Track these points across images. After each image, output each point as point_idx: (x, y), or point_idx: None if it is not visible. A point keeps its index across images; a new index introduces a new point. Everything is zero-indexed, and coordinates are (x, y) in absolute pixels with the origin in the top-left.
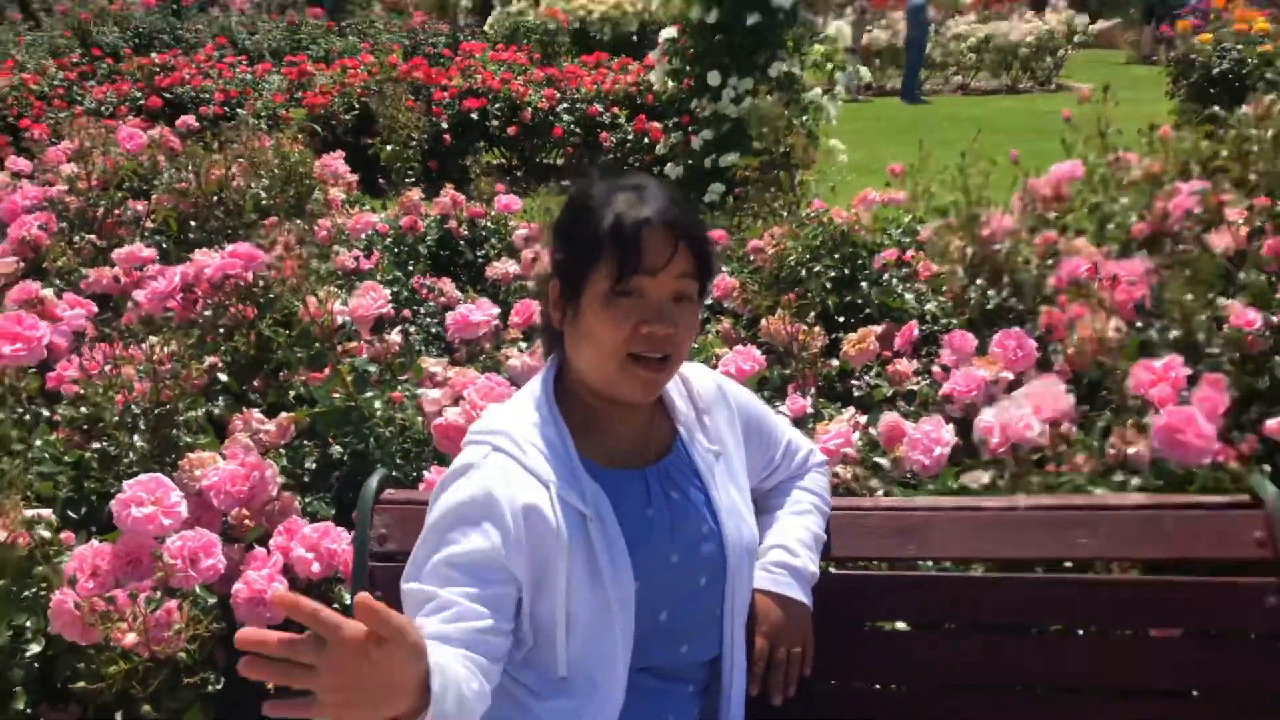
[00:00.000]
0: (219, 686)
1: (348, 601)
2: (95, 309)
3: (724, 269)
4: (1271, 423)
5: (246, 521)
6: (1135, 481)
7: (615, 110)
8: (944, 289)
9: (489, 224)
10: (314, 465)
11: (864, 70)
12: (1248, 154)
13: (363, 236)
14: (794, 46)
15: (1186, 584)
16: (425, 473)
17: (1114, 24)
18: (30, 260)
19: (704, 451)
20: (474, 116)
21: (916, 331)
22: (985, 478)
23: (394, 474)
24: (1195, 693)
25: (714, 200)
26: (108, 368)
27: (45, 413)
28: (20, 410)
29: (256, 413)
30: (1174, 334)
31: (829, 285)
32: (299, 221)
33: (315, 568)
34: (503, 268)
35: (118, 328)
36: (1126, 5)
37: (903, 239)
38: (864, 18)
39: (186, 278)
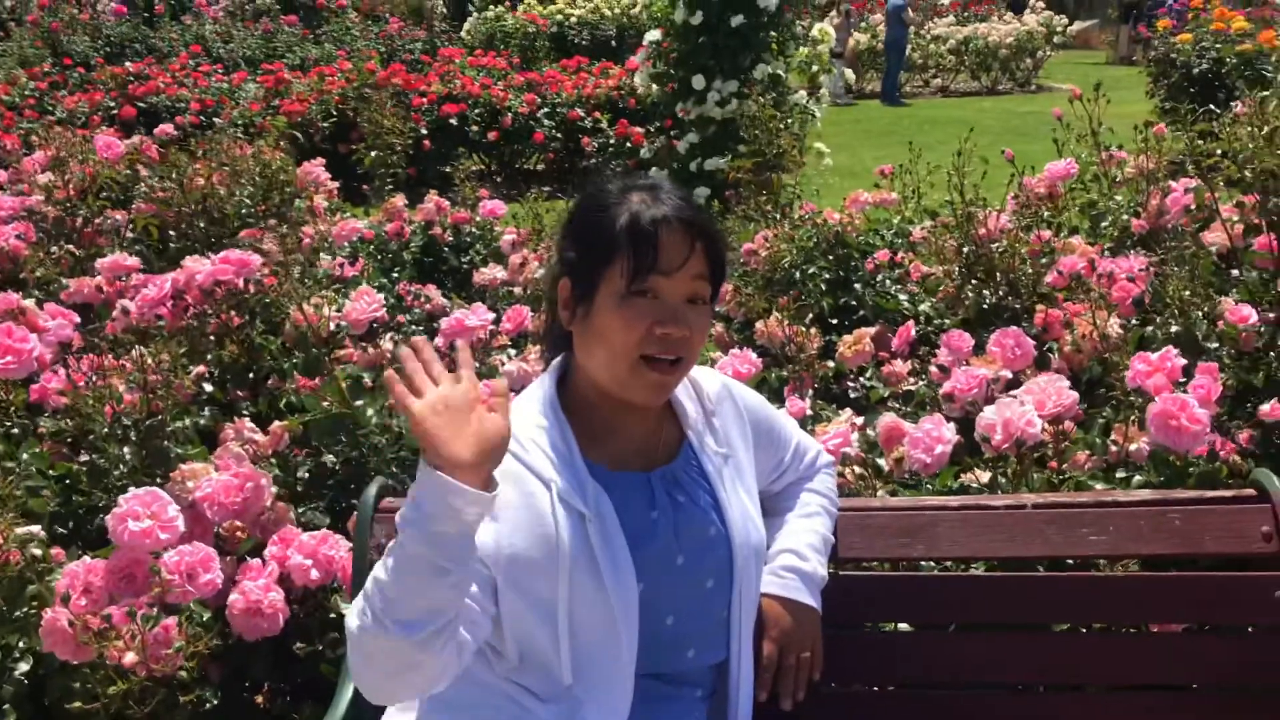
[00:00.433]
0: (215, 703)
1: (344, 610)
2: (79, 319)
3: None
4: (1266, 406)
5: (239, 533)
6: (1138, 478)
7: (597, 115)
8: (939, 289)
9: (474, 229)
10: (307, 474)
11: (849, 73)
12: (1240, 152)
13: (346, 244)
14: (779, 49)
15: (1191, 579)
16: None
17: (1091, 25)
18: (6, 271)
19: (712, 454)
20: (453, 122)
21: (913, 332)
22: (985, 476)
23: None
24: (1195, 686)
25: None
26: (95, 379)
27: (29, 425)
28: (8, 424)
29: (248, 422)
30: (1173, 329)
31: (823, 287)
32: (285, 229)
33: (314, 575)
34: (490, 273)
35: (105, 338)
36: (1104, 6)
37: (895, 240)
38: (848, 20)
39: (178, 285)
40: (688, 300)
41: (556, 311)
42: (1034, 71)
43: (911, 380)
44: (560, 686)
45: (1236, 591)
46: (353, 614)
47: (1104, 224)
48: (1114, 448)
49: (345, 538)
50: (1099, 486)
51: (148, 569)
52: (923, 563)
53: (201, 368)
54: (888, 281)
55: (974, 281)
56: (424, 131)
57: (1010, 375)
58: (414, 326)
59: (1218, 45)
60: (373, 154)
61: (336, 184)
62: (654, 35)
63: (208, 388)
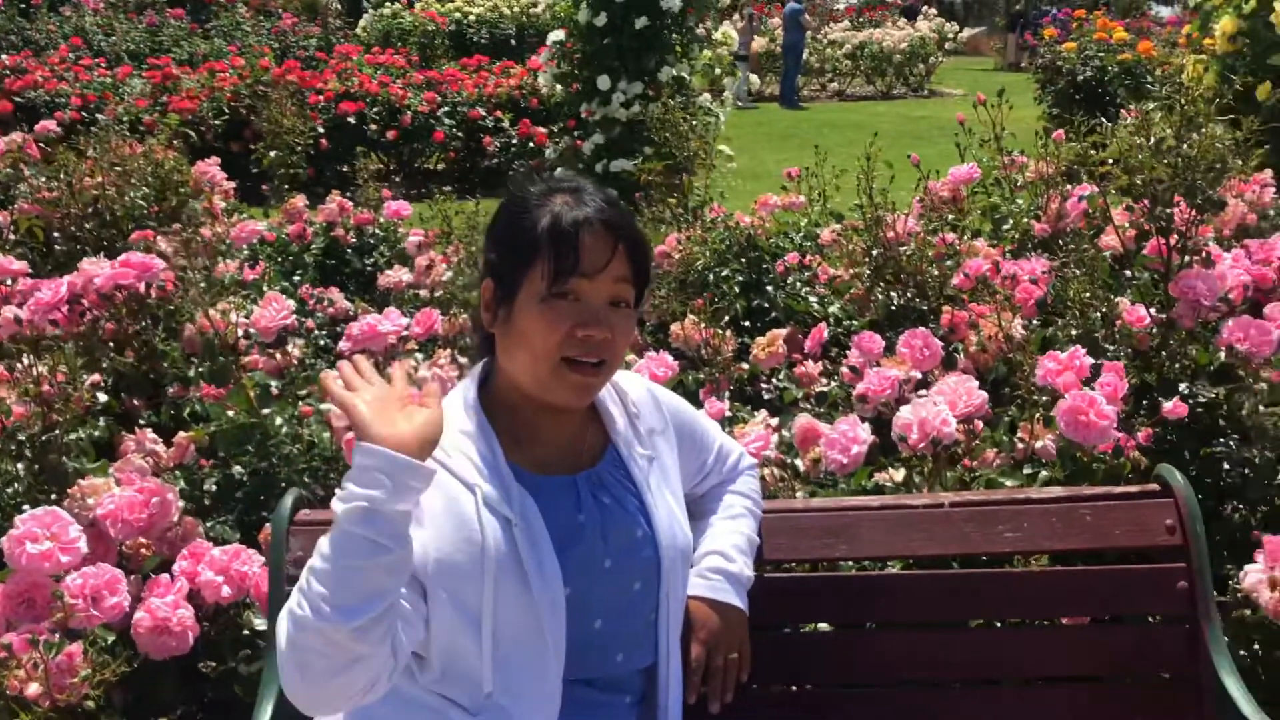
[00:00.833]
0: None
1: (258, 626)
2: None
3: None
4: (1168, 404)
5: (144, 550)
6: (1044, 474)
7: (499, 114)
8: (850, 291)
9: (378, 231)
10: (214, 487)
11: (754, 77)
12: (1130, 160)
13: (245, 247)
14: (682, 51)
15: (1098, 572)
16: (336, 491)
17: (980, 32)
18: None
19: (638, 457)
20: (352, 121)
21: (826, 334)
22: (899, 475)
23: (306, 494)
24: (1102, 677)
25: None
26: None
27: None
28: None
29: (149, 433)
30: (1074, 331)
31: (737, 290)
32: (188, 231)
33: (226, 591)
34: (395, 276)
35: None
36: (993, 14)
37: (803, 243)
38: (751, 24)
39: (74, 289)
40: (610, 303)
41: (479, 314)
42: (926, 77)
43: (824, 381)
44: (483, 697)
45: (1141, 583)
46: (284, 615)
47: (1006, 227)
48: (1020, 445)
49: (258, 551)
50: (1009, 483)
51: (49, 593)
52: (842, 563)
53: (96, 376)
54: (798, 284)
55: (882, 284)
56: (321, 130)
57: (919, 375)
58: (319, 331)
59: (1101, 54)
60: (272, 154)
61: (233, 184)
62: (557, 35)
63: (102, 397)
